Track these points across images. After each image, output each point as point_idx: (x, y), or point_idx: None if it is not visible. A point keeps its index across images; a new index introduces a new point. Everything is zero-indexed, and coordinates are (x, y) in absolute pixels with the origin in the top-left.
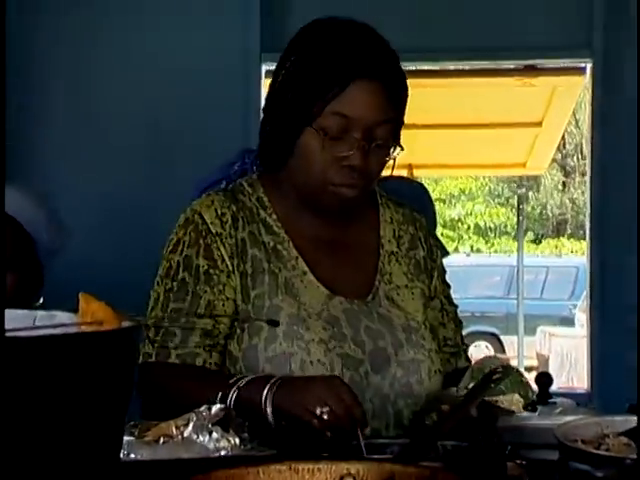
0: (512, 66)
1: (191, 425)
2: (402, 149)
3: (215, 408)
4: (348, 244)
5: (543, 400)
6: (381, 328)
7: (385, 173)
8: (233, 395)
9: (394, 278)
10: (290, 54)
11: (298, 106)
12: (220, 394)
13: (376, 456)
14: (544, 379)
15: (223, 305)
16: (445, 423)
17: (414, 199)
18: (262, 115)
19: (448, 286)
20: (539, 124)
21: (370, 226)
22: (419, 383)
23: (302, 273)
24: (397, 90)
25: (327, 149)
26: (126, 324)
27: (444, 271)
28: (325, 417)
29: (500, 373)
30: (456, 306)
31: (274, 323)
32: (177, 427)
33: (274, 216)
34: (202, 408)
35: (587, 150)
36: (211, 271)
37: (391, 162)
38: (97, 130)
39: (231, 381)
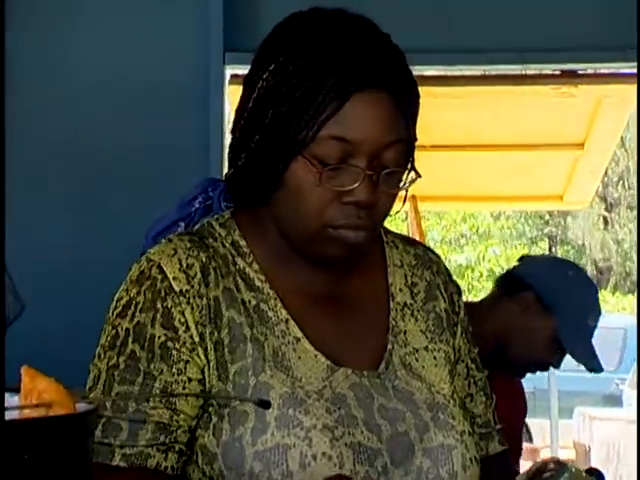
0: (547, 72)
1: None
2: (418, 175)
3: None
4: (350, 298)
5: None
6: (400, 407)
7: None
8: None
9: (410, 338)
10: (267, 60)
11: (283, 129)
12: None
13: None
14: (594, 477)
15: (184, 389)
16: None
17: None
18: (230, 136)
19: (474, 346)
20: (581, 145)
21: (375, 273)
22: (452, 476)
23: (295, 340)
24: (408, 101)
25: (324, 183)
26: (82, 407)
27: (469, 328)
28: None
29: (553, 470)
30: (484, 372)
31: (265, 404)
32: None
33: (255, 266)
34: None
35: (635, 178)
36: (169, 344)
37: (402, 193)
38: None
39: None
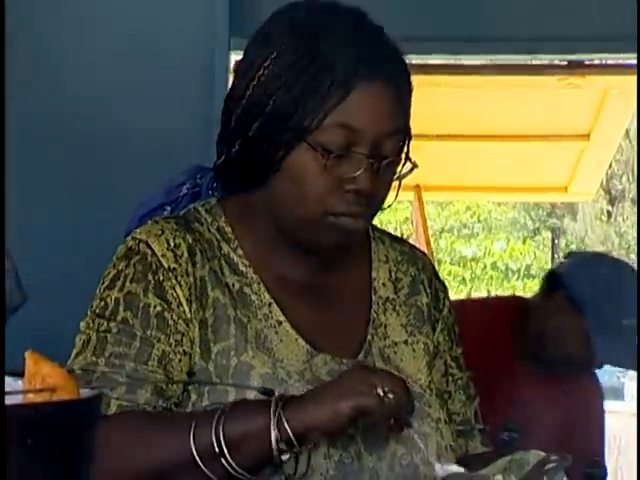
0: (552, 62)
1: None
2: (415, 166)
3: None
4: (332, 289)
5: None
6: None
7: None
8: (218, 428)
9: (390, 332)
10: (267, 48)
11: (287, 116)
12: (193, 433)
13: None
14: (595, 471)
15: (180, 361)
16: None
17: None
18: (221, 124)
19: (458, 345)
20: (586, 137)
21: (360, 266)
22: (426, 464)
23: (277, 323)
24: (406, 92)
25: (328, 170)
26: (86, 392)
27: (453, 327)
28: (390, 395)
29: (555, 462)
30: (467, 372)
31: (268, 392)
32: None
33: (239, 251)
34: None
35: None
36: (166, 314)
37: (396, 183)
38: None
39: (202, 413)
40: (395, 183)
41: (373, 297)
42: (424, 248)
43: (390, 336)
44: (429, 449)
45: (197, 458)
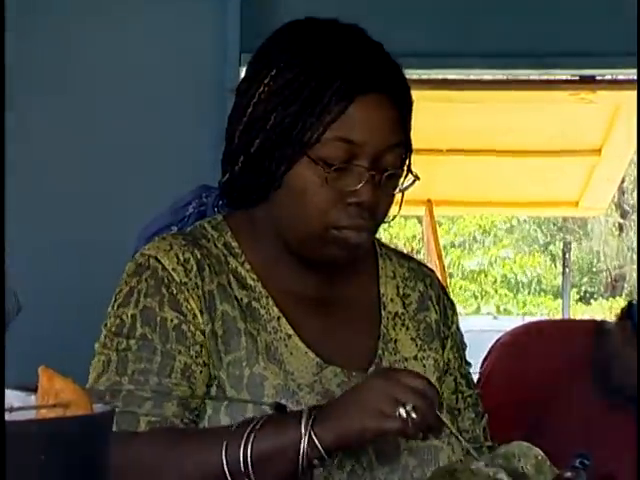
0: (564, 77)
1: None
2: (417, 178)
3: None
4: (340, 303)
5: None
6: None
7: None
8: (247, 446)
9: (400, 347)
10: (267, 66)
11: (287, 131)
12: (225, 449)
13: None
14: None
15: (201, 373)
16: None
17: None
18: (225, 143)
19: (467, 364)
20: (597, 152)
21: (367, 282)
22: None
23: (286, 336)
24: (406, 106)
25: (330, 184)
26: (99, 407)
27: (462, 343)
28: (412, 415)
29: (574, 470)
30: (476, 390)
31: (281, 408)
32: None
33: (247, 265)
34: None
35: None
36: (184, 327)
37: (399, 196)
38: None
39: (233, 429)
40: (398, 196)
41: (382, 312)
42: (435, 263)
43: (400, 351)
44: (440, 463)
45: (227, 475)
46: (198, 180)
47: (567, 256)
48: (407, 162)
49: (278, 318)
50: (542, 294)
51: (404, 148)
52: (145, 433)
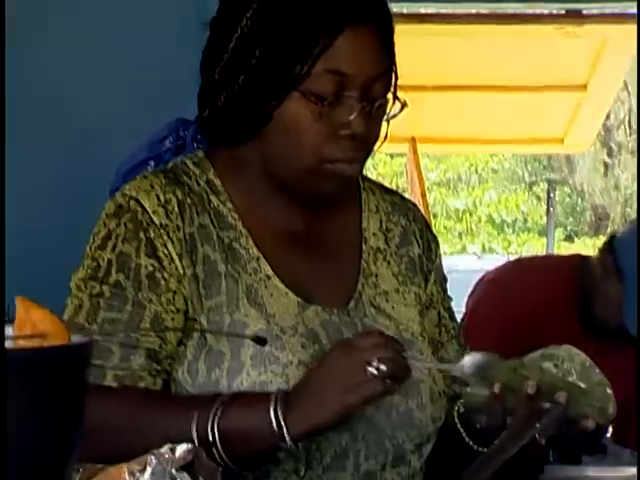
0: (550, 11)
1: (149, 471)
2: (406, 105)
3: (181, 449)
4: (323, 239)
5: (588, 446)
6: None
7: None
8: (214, 422)
9: (381, 281)
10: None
11: (275, 66)
12: (195, 421)
13: None
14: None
15: (173, 320)
16: (475, 474)
17: None
18: (202, 79)
19: (449, 298)
20: (583, 87)
21: (350, 216)
22: (421, 409)
23: (266, 277)
24: (390, 34)
25: (322, 117)
26: (77, 339)
27: (444, 277)
28: (382, 367)
29: (548, 408)
30: (458, 323)
31: (261, 341)
32: (131, 473)
33: (229, 204)
34: (164, 448)
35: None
36: (157, 275)
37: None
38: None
39: (204, 401)
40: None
41: (363, 247)
42: (419, 201)
43: (381, 285)
44: (423, 395)
45: (196, 444)
46: (182, 115)
47: (552, 195)
48: (394, 89)
49: (258, 258)
50: (527, 233)
51: (391, 76)
52: (113, 393)
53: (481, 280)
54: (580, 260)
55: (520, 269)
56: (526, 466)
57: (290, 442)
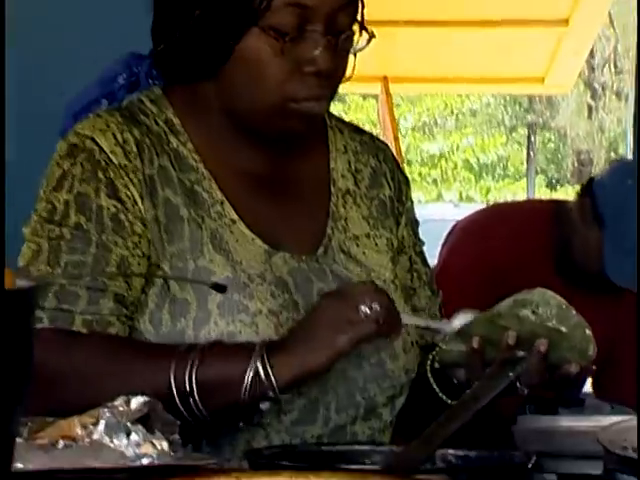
0: None
1: (102, 424)
2: (373, 36)
3: (136, 401)
4: (289, 181)
5: (564, 398)
6: None
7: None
8: (192, 371)
9: (351, 225)
10: None
11: (232, 1)
12: (173, 371)
13: (355, 466)
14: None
15: (139, 265)
16: (445, 425)
17: None
18: (154, 13)
19: (421, 242)
20: (564, 22)
21: (317, 157)
22: (394, 359)
23: (231, 222)
24: None
25: (285, 54)
26: (22, 283)
27: (415, 220)
28: (376, 306)
29: (520, 356)
30: (430, 267)
31: (220, 288)
32: (83, 426)
33: (189, 145)
34: (118, 400)
35: (625, 61)
36: (121, 216)
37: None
38: None
39: (181, 350)
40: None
41: (332, 189)
42: (391, 145)
43: (351, 229)
44: (395, 345)
45: (176, 397)
46: (135, 49)
47: (532, 139)
48: (361, 19)
49: (221, 202)
50: (507, 180)
51: (356, 5)
52: (87, 339)
53: (454, 228)
54: (558, 205)
55: (495, 215)
56: (499, 421)
57: (276, 391)
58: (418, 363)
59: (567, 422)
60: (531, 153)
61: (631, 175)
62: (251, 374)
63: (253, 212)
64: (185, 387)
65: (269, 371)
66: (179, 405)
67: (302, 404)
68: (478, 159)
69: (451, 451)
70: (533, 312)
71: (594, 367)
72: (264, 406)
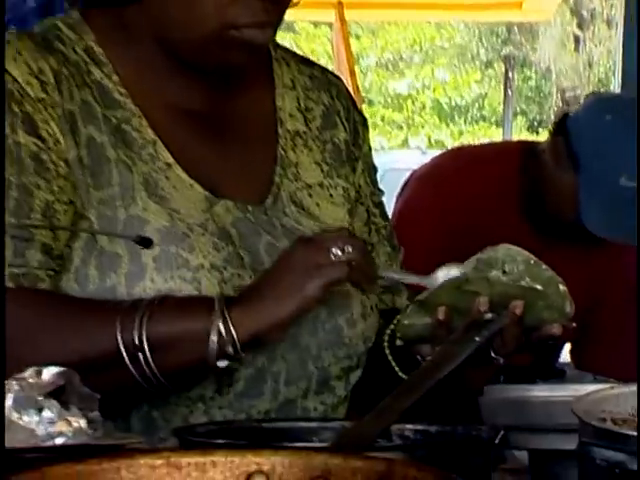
0: None
1: (10, 398)
2: None
3: (48, 372)
4: (230, 121)
5: (542, 368)
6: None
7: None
8: (142, 328)
9: (303, 172)
10: None
11: None
12: (119, 328)
13: (301, 444)
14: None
15: (65, 213)
16: (403, 397)
17: None
18: None
19: (380, 191)
20: None
21: (261, 94)
22: (350, 325)
23: (165, 166)
24: None
25: None
26: None
27: (374, 166)
28: (348, 249)
29: (490, 319)
30: (390, 222)
31: (146, 242)
32: None
33: (114, 77)
34: (27, 372)
35: None
36: (44, 156)
37: None
38: None
39: (127, 305)
40: None
41: (279, 130)
42: (347, 81)
43: (302, 177)
44: (353, 310)
45: (125, 358)
46: None
47: (510, 75)
48: None
49: (154, 143)
50: (482, 123)
51: None
52: (16, 296)
53: (411, 176)
54: (527, 146)
55: (454, 160)
56: (467, 394)
57: (237, 347)
58: (377, 332)
59: (540, 392)
60: (509, 91)
61: (610, 110)
62: (210, 328)
63: (190, 155)
64: (135, 347)
65: (229, 323)
66: (130, 367)
67: (247, 374)
68: (450, 99)
69: (409, 426)
70: (504, 272)
71: (574, 325)
72: (222, 364)
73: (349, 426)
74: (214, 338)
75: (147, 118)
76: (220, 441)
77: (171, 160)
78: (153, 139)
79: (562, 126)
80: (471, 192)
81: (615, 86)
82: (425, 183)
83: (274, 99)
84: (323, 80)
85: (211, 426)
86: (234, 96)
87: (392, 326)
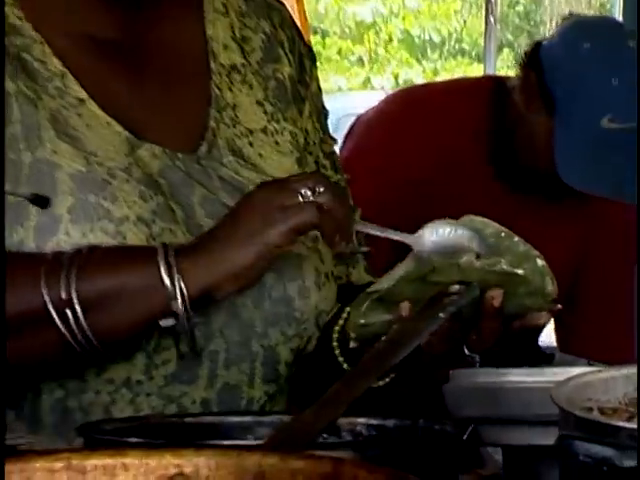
0: None
1: None
2: None
3: None
4: (150, 52)
5: (526, 354)
6: (229, 202)
7: None
8: (70, 283)
9: (242, 115)
10: None
11: None
12: (45, 284)
13: (229, 442)
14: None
15: None
16: (353, 384)
17: None
18: None
19: (332, 139)
20: None
21: (187, 21)
22: (303, 296)
23: (77, 101)
24: None
25: None
26: None
27: (324, 109)
28: (320, 189)
29: (456, 293)
30: (343, 174)
31: (41, 202)
32: None
33: None
34: None
35: None
36: None
37: None
38: None
39: (50, 257)
40: None
41: (212, 65)
42: (292, 7)
43: (242, 121)
44: (306, 278)
45: (55, 318)
46: None
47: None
48: None
49: (62, 75)
50: (460, 58)
51: None
52: None
53: (357, 121)
54: (495, 83)
55: (409, 102)
56: (432, 386)
57: (186, 302)
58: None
59: (515, 377)
60: (491, 18)
61: (589, 37)
62: (152, 281)
63: (106, 89)
64: (64, 303)
65: (176, 274)
66: (63, 330)
67: (178, 355)
68: (423, 29)
69: (361, 420)
70: (478, 256)
71: (559, 306)
72: (167, 323)
73: (289, 420)
74: (158, 292)
75: (51, 46)
76: (133, 440)
77: (84, 95)
78: (61, 71)
79: (534, 58)
80: (428, 143)
81: (616, 12)
82: (373, 131)
83: (204, 28)
84: (262, 5)
85: (120, 423)
86: (155, 24)
87: (341, 322)
